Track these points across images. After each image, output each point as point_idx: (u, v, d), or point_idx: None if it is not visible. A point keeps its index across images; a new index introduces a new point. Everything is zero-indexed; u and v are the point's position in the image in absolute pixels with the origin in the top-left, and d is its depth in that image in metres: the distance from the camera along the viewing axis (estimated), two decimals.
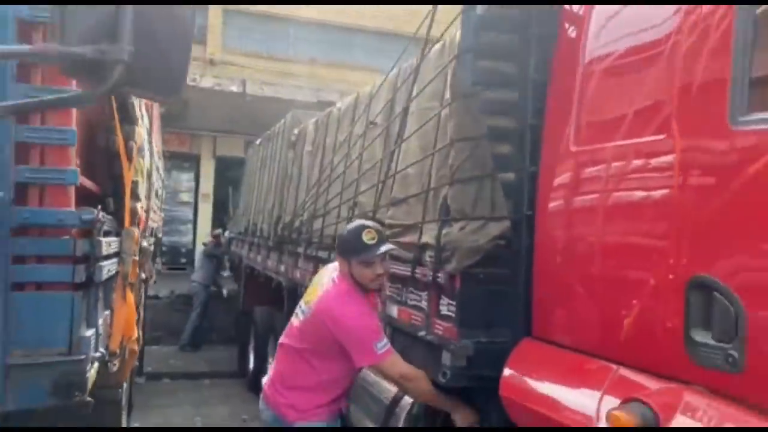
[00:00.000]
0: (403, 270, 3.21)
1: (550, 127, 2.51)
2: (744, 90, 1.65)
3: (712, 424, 1.68)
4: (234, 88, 9.47)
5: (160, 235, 7.98)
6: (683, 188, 1.85)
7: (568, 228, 2.39)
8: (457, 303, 2.69)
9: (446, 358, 2.65)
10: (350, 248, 2.75)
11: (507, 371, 2.38)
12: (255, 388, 6.27)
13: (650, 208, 2.00)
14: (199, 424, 5.78)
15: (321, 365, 2.81)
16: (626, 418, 1.72)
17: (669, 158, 1.91)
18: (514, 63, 2.71)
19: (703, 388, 1.70)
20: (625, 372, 1.94)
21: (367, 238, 2.67)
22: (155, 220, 6.80)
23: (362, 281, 2.74)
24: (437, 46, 3.31)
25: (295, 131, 6.12)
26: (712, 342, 1.69)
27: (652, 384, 1.85)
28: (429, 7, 3.31)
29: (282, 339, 3.04)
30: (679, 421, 1.70)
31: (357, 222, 3.00)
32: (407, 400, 3.28)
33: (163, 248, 9.80)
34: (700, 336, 1.71)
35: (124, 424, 4.76)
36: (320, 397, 2.83)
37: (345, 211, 4.44)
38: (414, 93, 3.40)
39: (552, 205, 2.46)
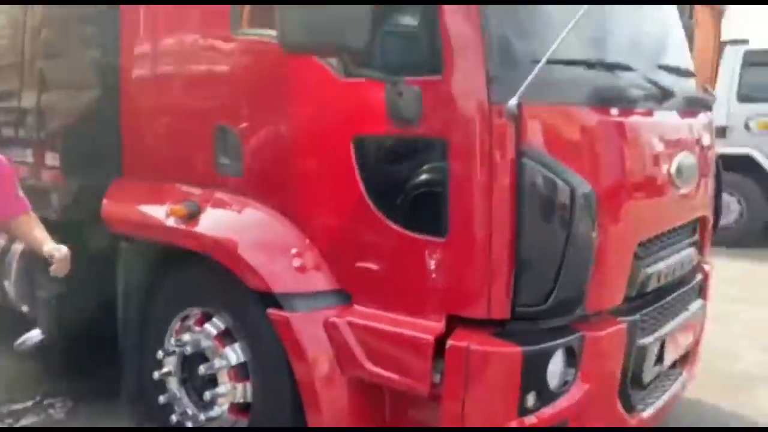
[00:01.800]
0: (7, 132, 3.65)
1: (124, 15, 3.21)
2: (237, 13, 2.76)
3: (228, 208, 2.78)
4: None
5: None
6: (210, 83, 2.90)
7: (141, 93, 3.20)
8: (61, 155, 3.27)
9: (54, 198, 3.27)
10: None
11: (105, 202, 3.15)
12: None
13: (195, 90, 3.00)
14: None
15: None
16: (179, 210, 2.75)
17: (220, 67, 2.89)
18: None
19: (227, 190, 2.82)
20: (180, 186, 2.97)
21: None
22: None
23: None
24: None
25: None
26: (228, 162, 2.80)
27: (200, 192, 2.88)
28: None
29: None
30: (210, 209, 2.77)
31: None
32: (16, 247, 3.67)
33: None
34: (223, 159, 2.81)
35: None
36: None
37: None
38: None
39: (131, 76, 3.21)
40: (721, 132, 8.23)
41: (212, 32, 2.91)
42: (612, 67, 2.55)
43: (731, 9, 9.91)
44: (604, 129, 2.44)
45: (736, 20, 10.77)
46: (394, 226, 2.39)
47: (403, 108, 2.25)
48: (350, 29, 2.08)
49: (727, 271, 6.92)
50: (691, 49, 3.59)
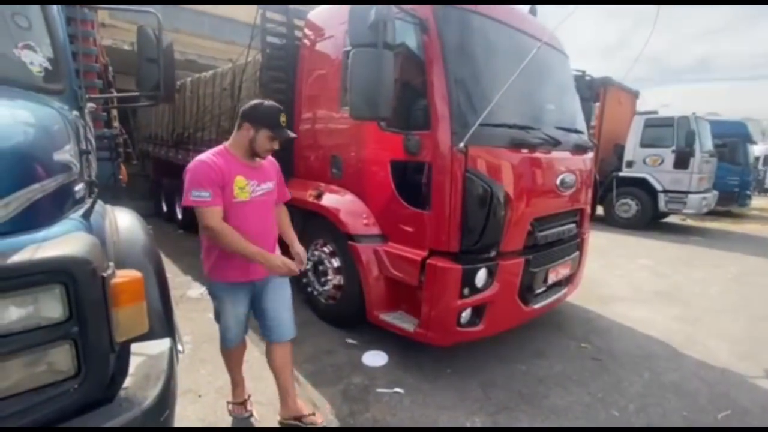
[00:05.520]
0: None
1: (299, 91, 3.28)
2: (341, 99, 2.80)
3: (335, 193, 2.80)
4: (126, 47, 7.92)
5: None
6: (330, 133, 2.95)
7: (303, 136, 3.19)
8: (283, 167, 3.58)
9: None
10: (265, 121, 1.72)
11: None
12: (169, 220, 6.55)
13: (324, 136, 3.07)
14: None
15: None
16: (314, 193, 2.86)
17: (334, 125, 2.90)
18: (283, 70, 3.32)
19: (335, 185, 2.91)
20: (318, 184, 3.02)
21: (282, 119, 1.75)
22: None
23: (259, 149, 1.74)
24: (251, 57, 3.79)
25: (178, 83, 5.79)
26: (336, 171, 2.93)
27: (324, 185, 2.99)
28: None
29: None
30: (327, 195, 2.82)
31: (273, 103, 1.78)
32: None
33: None
34: (334, 170, 2.93)
35: None
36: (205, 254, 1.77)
37: (214, 130, 4.66)
38: (243, 77, 4.02)
39: (300, 127, 3.24)
40: (630, 164, 7.67)
41: (330, 109, 2.98)
42: (523, 128, 2.43)
43: (643, 93, 9.08)
44: (513, 160, 2.36)
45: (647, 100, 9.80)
46: (407, 205, 2.46)
47: (412, 147, 2.33)
48: (383, 108, 2.11)
49: (626, 241, 6.48)
50: (588, 118, 3.25)
